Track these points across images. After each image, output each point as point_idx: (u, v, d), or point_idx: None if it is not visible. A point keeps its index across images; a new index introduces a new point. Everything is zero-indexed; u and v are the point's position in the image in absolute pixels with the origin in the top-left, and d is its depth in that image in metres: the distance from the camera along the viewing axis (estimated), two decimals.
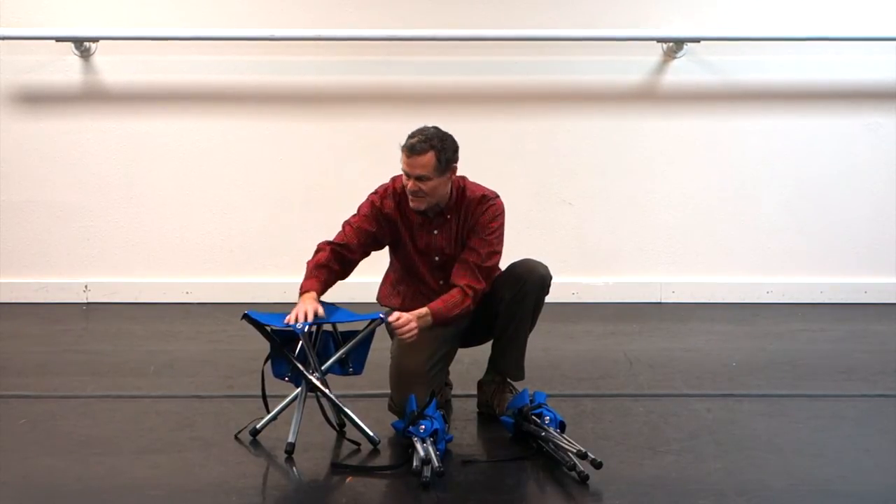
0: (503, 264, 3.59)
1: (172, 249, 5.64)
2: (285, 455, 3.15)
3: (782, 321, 5.24)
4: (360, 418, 3.29)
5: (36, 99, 5.55)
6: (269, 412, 3.32)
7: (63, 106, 5.55)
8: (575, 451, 3.01)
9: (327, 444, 3.27)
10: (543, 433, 3.15)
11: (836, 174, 5.65)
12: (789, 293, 5.67)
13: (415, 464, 2.99)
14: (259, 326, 3.28)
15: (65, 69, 5.51)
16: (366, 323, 3.34)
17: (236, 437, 3.31)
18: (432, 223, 3.50)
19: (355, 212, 3.57)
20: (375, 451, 3.23)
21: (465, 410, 3.64)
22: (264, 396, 3.33)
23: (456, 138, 3.45)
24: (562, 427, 3.19)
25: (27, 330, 5.02)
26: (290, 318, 3.24)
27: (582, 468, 2.96)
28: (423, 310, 3.38)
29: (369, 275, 3.72)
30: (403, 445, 3.17)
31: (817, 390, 4.00)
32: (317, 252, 3.52)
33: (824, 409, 3.74)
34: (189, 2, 5.51)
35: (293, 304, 3.33)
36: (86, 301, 5.61)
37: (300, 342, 3.25)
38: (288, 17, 5.47)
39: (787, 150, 5.64)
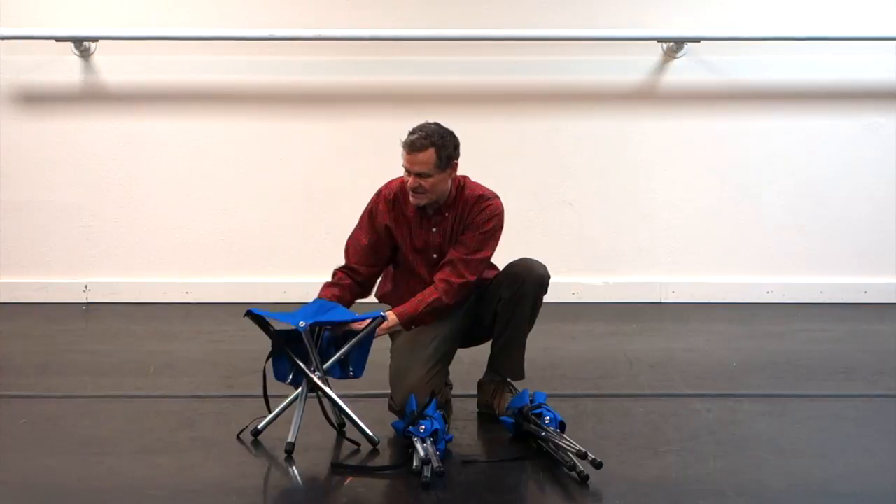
0: (501, 264, 3.59)
1: (172, 249, 5.64)
2: (285, 455, 3.15)
3: (782, 321, 5.24)
4: (359, 418, 3.29)
5: (36, 99, 5.55)
6: (270, 412, 3.32)
7: (63, 106, 5.55)
8: (575, 451, 3.01)
9: (327, 444, 3.27)
10: (543, 433, 3.15)
11: (836, 174, 5.65)
12: (789, 293, 5.67)
13: (415, 464, 2.99)
14: (262, 324, 3.27)
15: (65, 69, 5.51)
16: (367, 322, 3.34)
17: (238, 438, 3.31)
18: (430, 220, 3.51)
19: (355, 228, 3.58)
20: (375, 451, 3.23)
21: (465, 410, 3.64)
22: (266, 396, 3.32)
23: (449, 128, 3.45)
24: (562, 427, 3.19)
25: (27, 330, 5.02)
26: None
27: (582, 468, 2.96)
28: (392, 318, 3.40)
29: None
30: (403, 445, 3.17)
31: (817, 390, 3.99)
32: (324, 288, 3.54)
33: (824, 409, 3.74)
34: (189, 2, 5.51)
35: (294, 304, 3.32)
36: (86, 301, 5.61)
37: (301, 342, 3.25)
38: (288, 17, 5.47)
39: (787, 150, 5.64)
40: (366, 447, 3.24)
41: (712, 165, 5.66)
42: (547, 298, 3.54)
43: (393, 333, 3.62)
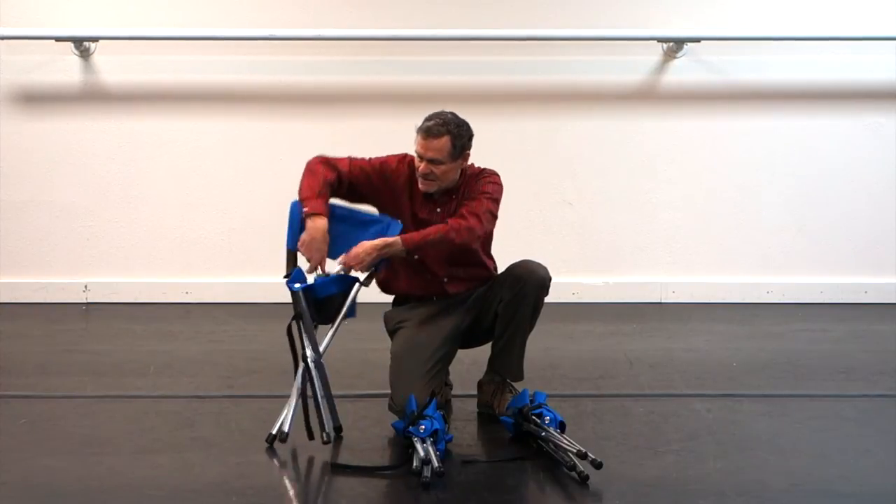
0: (502, 264, 3.59)
1: (172, 249, 5.64)
2: (280, 442, 3.12)
3: (782, 321, 5.24)
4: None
5: (36, 99, 5.55)
6: (296, 366, 3.25)
7: (63, 106, 5.55)
8: (575, 451, 3.01)
9: (327, 444, 3.26)
10: (543, 433, 3.15)
11: (836, 174, 5.65)
12: (789, 293, 5.68)
13: (415, 464, 2.99)
14: (296, 296, 3.24)
15: (64, 69, 5.51)
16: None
17: (270, 445, 3.23)
18: (437, 201, 3.52)
19: (364, 158, 3.59)
20: (375, 451, 3.23)
21: (465, 410, 3.64)
22: (294, 353, 3.23)
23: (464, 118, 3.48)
24: (562, 427, 3.19)
25: (27, 330, 5.02)
26: (302, 243, 3.33)
27: (582, 468, 2.96)
28: (393, 238, 3.37)
29: None
30: (403, 446, 3.17)
31: (817, 390, 3.99)
32: (325, 165, 3.60)
33: (824, 409, 3.74)
34: (189, 2, 5.51)
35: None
36: (86, 301, 5.61)
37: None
38: (288, 17, 5.47)
39: (787, 150, 5.64)
40: (365, 447, 3.24)
41: (712, 165, 5.66)
42: (547, 298, 3.54)
43: (393, 333, 3.62)
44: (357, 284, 3.35)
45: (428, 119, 3.44)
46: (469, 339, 3.65)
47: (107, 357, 4.47)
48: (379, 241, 3.35)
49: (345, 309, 3.34)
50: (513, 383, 3.59)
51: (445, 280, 3.57)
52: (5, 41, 5.43)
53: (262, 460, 3.20)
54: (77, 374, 4.16)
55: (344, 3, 5.51)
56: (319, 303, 3.31)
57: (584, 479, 2.94)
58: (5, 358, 4.47)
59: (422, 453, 2.98)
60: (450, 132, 3.39)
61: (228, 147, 5.60)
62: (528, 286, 3.47)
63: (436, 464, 2.92)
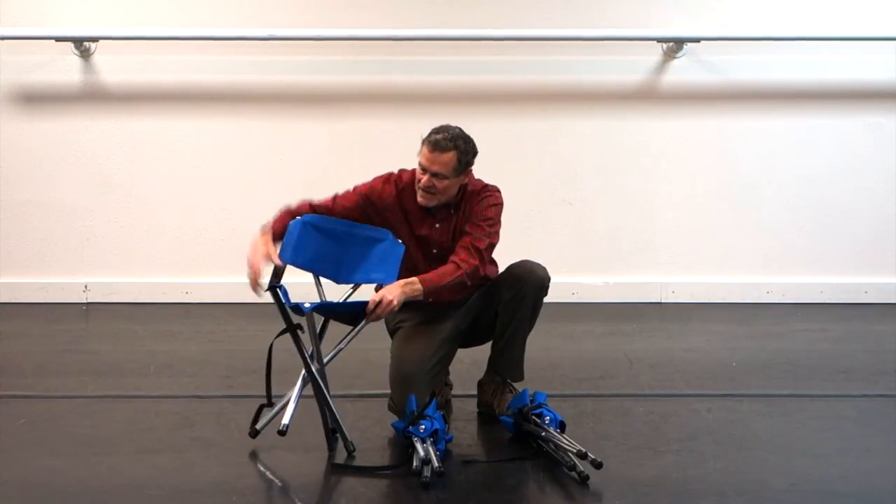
0: (502, 264, 3.59)
1: (172, 249, 5.64)
2: (279, 435, 3.11)
3: (782, 321, 5.24)
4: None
5: (36, 99, 5.55)
6: (269, 400, 3.28)
7: (63, 106, 5.55)
8: (575, 451, 3.01)
9: (326, 444, 3.26)
10: (543, 433, 3.15)
11: (836, 174, 5.65)
12: (789, 293, 5.68)
13: (415, 464, 2.99)
14: (281, 305, 3.22)
15: (65, 69, 5.51)
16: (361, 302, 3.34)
17: (254, 433, 3.27)
18: (435, 216, 3.51)
19: (350, 189, 3.56)
20: (375, 451, 3.23)
21: (465, 410, 3.64)
22: (268, 381, 3.27)
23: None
24: (562, 427, 3.19)
25: (27, 330, 5.02)
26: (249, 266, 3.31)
27: (582, 468, 2.96)
28: (412, 278, 3.37)
29: None
30: (403, 445, 3.17)
31: (817, 390, 3.99)
32: (298, 204, 3.56)
33: (824, 409, 3.74)
34: (189, 2, 5.51)
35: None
36: (86, 301, 5.61)
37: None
38: (288, 17, 5.47)
39: (787, 150, 5.65)
40: (365, 447, 3.24)
41: (712, 165, 5.66)
42: (547, 298, 3.54)
43: (393, 333, 3.62)
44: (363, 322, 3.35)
45: (436, 132, 3.41)
46: (469, 339, 3.65)
47: (107, 357, 4.47)
48: (401, 286, 3.32)
49: (352, 334, 3.37)
50: (513, 383, 3.59)
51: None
52: (5, 41, 5.43)
53: (262, 460, 3.20)
54: (77, 374, 4.16)
55: (344, 3, 5.51)
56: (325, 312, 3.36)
57: (584, 479, 2.94)
58: (5, 358, 4.47)
59: (422, 453, 2.98)
60: (457, 147, 3.37)
61: (228, 147, 5.60)
62: (527, 286, 3.47)
63: (436, 464, 2.92)
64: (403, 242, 3.52)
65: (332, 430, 3.29)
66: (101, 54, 5.50)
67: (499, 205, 3.53)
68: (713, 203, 5.68)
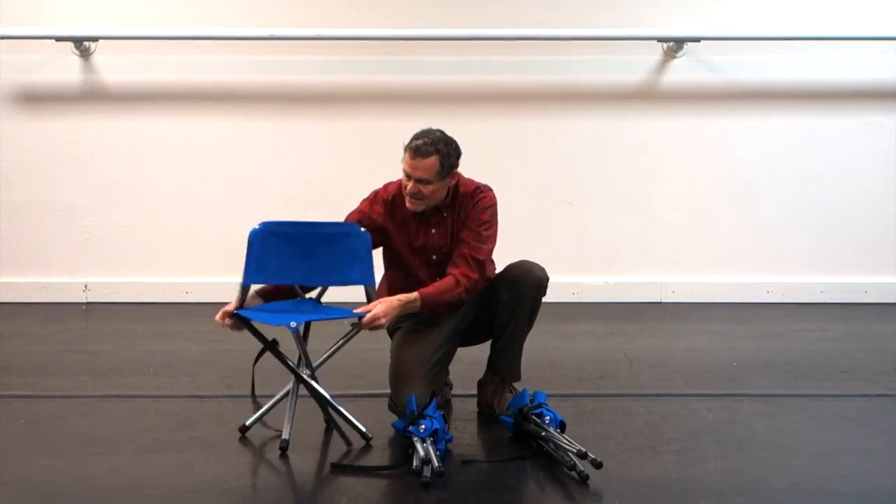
0: (501, 264, 3.59)
1: (172, 249, 5.64)
2: (280, 452, 3.15)
3: (782, 321, 5.24)
4: (358, 418, 3.29)
5: (36, 99, 5.55)
6: (257, 409, 3.34)
7: (63, 106, 5.55)
8: (575, 450, 3.01)
9: (327, 444, 3.27)
10: (543, 433, 3.15)
11: (836, 174, 5.65)
12: (789, 293, 5.68)
13: (415, 464, 2.99)
14: (249, 326, 3.27)
15: (65, 69, 5.51)
16: (345, 318, 3.33)
17: (243, 434, 3.31)
18: (429, 222, 3.50)
19: (347, 216, 3.55)
20: (375, 451, 3.23)
21: (465, 410, 3.64)
22: (254, 395, 3.33)
23: (456, 138, 3.45)
24: (562, 427, 3.19)
25: (27, 330, 5.02)
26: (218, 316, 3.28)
27: (582, 468, 2.96)
28: (413, 294, 3.37)
29: None
30: (403, 445, 3.17)
31: (817, 390, 3.99)
32: None
33: (824, 409, 3.74)
34: (189, 2, 5.51)
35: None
36: (86, 301, 5.61)
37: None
38: (288, 17, 5.48)
39: (788, 150, 5.65)
40: (365, 446, 3.24)
41: (712, 165, 5.66)
42: (547, 298, 3.54)
43: (393, 332, 3.62)
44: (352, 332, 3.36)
45: (416, 137, 3.40)
46: (469, 338, 3.65)
47: (107, 357, 4.47)
48: (397, 301, 3.34)
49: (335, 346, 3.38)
50: (512, 383, 3.59)
51: None
52: (5, 41, 5.44)
53: (262, 460, 3.20)
54: (77, 373, 4.16)
55: (344, 3, 5.51)
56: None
57: (584, 479, 2.94)
58: (5, 358, 4.47)
59: (422, 453, 2.98)
60: (438, 151, 3.35)
61: (228, 147, 5.60)
62: (525, 287, 3.47)
63: (436, 464, 2.92)
64: (402, 254, 3.52)
65: (328, 421, 3.31)
66: (101, 54, 5.50)
67: (493, 205, 3.52)
68: (713, 203, 5.68)
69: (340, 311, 3.38)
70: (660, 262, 5.71)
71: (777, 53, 5.56)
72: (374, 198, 3.54)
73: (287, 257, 3.38)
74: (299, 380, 3.28)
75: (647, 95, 5.59)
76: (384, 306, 3.30)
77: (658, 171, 5.65)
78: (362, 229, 3.42)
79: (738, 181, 5.66)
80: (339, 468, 3.08)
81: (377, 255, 3.58)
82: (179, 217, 5.64)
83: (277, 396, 3.37)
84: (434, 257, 3.53)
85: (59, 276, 5.63)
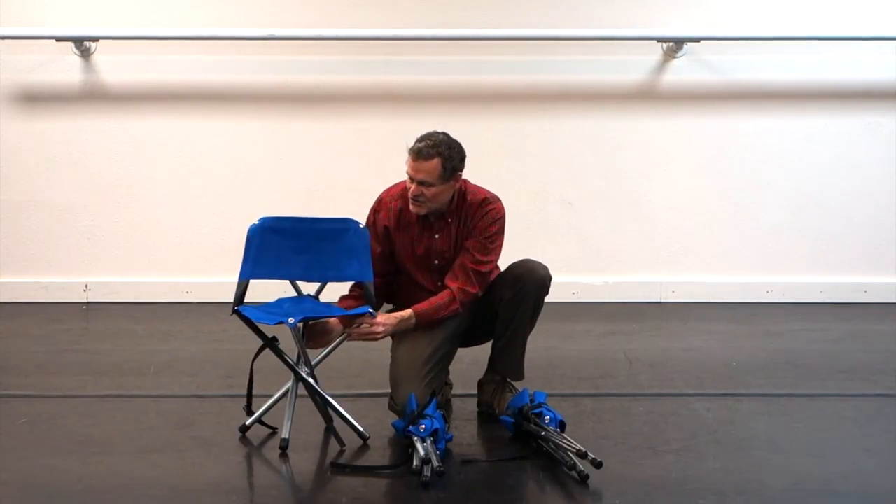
0: (503, 264, 3.59)
1: (172, 249, 5.64)
2: (280, 451, 3.15)
3: (782, 321, 5.24)
4: (358, 417, 3.30)
5: (36, 99, 5.55)
6: (252, 411, 3.34)
7: (63, 106, 5.55)
8: (575, 450, 3.01)
9: (327, 444, 3.27)
10: (543, 433, 3.15)
11: (836, 174, 5.65)
12: (789, 293, 5.68)
13: (415, 463, 2.99)
14: (250, 323, 3.28)
15: (65, 69, 5.51)
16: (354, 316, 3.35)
17: (243, 433, 3.32)
18: (433, 227, 3.50)
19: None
20: (375, 451, 3.23)
21: (465, 410, 3.64)
22: (250, 395, 3.34)
23: (456, 138, 3.45)
24: (562, 427, 3.19)
25: (27, 329, 5.02)
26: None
27: (582, 468, 2.96)
28: (408, 312, 3.42)
29: None
30: (403, 445, 3.17)
31: (817, 390, 3.99)
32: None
33: (824, 409, 3.74)
34: (189, 2, 5.51)
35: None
36: (86, 301, 5.62)
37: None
38: (288, 17, 5.47)
39: (787, 150, 5.65)
40: (365, 446, 3.24)
41: (712, 165, 5.66)
42: (547, 298, 3.54)
43: (395, 332, 3.63)
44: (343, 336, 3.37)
45: (419, 140, 3.39)
46: (469, 338, 3.65)
47: (107, 357, 4.47)
48: (392, 319, 3.38)
49: (330, 348, 3.38)
50: (513, 383, 3.59)
51: None
52: (5, 41, 5.44)
53: (262, 460, 3.20)
54: (77, 373, 4.16)
55: (345, 2, 5.51)
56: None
57: (583, 479, 2.94)
58: (5, 357, 4.47)
59: (422, 453, 2.98)
60: (440, 154, 3.34)
61: (229, 146, 5.61)
62: (528, 286, 3.47)
63: (436, 463, 2.92)
64: (404, 257, 3.52)
65: (329, 421, 3.32)
66: (102, 54, 5.50)
67: (501, 218, 3.52)
68: (713, 203, 5.68)
69: (339, 309, 3.38)
70: (660, 262, 5.71)
71: (777, 54, 5.56)
72: (378, 207, 3.54)
73: (285, 253, 3.39)
74: (298, 378, 3.28)
75: (647, 95, 5.59)
76: (381, 321, 3.36)
77: (658, 171, 5.65)
78: (361, 225, 3.42)
79: (737, 181, 5.67)
80: (339, 468, 3.09)
81: None
82: (179, 217, 5.64)
83: (276, 396, 3.38)
84: (436, 262, 3.53)
85: (60, 276, 5.63)
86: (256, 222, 3.41)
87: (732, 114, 5.61)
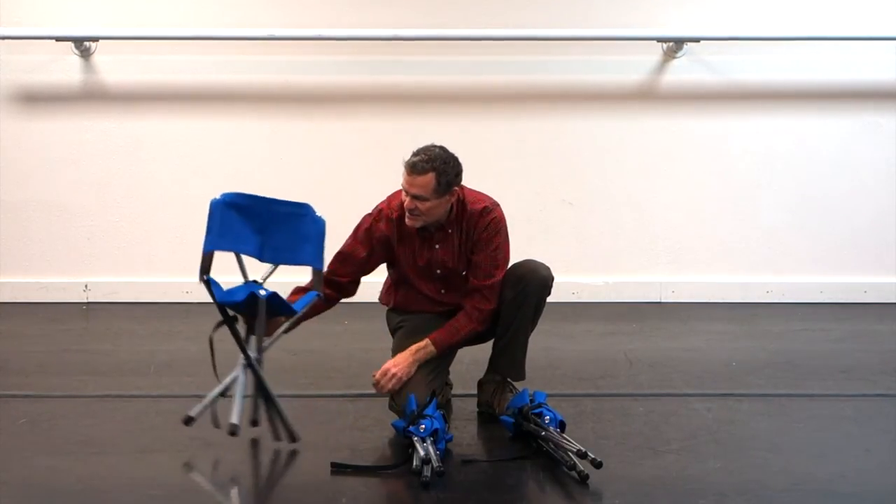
0: None
1: (172, 249, 5.64)
2: (230, 436, 3.08)
3: (782, 321, 5.24)
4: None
5: (36, 99, 5.55)
6: (220, 382, 3.26)
7: (63, 106, 5.55)
8: (575, 450, 3.01)
9: (326, 444, 3.27)
10: (543, 433, 3.15)
11: (836, 174, 5.65)
12: (789, 293, 5.68)
13: (415, 464, 2.99)
14: (214, 299, 3.23)
15: (65, 69, 5.51)
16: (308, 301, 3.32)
17: (186, 424, 3.22)
18: (433, 238, 3.49)
19: (351, 233, 3.54)
20: (375, 451, 3.23)
21: (465, 410, 3.64)
22: (214, 368, 3.27)
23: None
24: (562, 427, 3.19)
25: (27, 329, 5.02)
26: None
27: (582, 468, 2.96)
28: (424, 341, 3.42)
29: (372, 275, 3.71)
30: (403, 445, 3.17)
31: (817, 390, 3.99)
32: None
33: (824, 408, 3.74)
34: (189, 2, 5.51)
35: None
36: (86, 301, 5.62)
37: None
38: (288, 17, 5.47)
39: (787, 150, 5.65)
40: (367, 447, 3.24)
41: (712, 165, 5.66)
42: (547, 298, 3.54)
43: (394, 331, 3.63)
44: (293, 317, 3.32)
45: (415, 154, 3.36)
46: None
47: (107, 357, 4.47)
48: (411, 356, 3.38)
49: (285, 326, 3.33)
50: (513, 382, 3.59)
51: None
52: (5, 41, 5.43)
53: (262, 460, 3.20)
54: (77, 373, 4.16)
55: (345, 3, 5.51)
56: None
57: (583, 479, 2.94)
58: (5, 358, 4.47)
59: (422, 453, 2.98)
60: (435, 169, 3.31)
61: (228, 147, 5.60)
62: (530, 286, 3.47)
63: (436, 463, 2.92)
64: (407, 269, 3.51)
65: (254, 423, 3.27)
66: (102, 54, 5.50)
67: (503, 226, 3.50)
68: (713, 203, 5.68)
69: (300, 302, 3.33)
70: (660, 262, 5.71)
71: (777, 53, 5.56)
72: (378, 215, 3.51)
73: (244, 230, 3.40)
74: (248, 362, 3.21)
75: (647, 95, 5.59)
76: (396, 361, 3.37)
77: (658, 171, 5.65)
78: (318, 214, 3.39)
79: (738, 181, 5.66)
80: (339, 468, 3.08)
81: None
82: (179, 217, 5.63)
83: (225, 382, 3.26)
84: (438, 272, 3.52)
85: (60, 276, 5.63)
86: (218, 197, 3.40)
87: (732, 114, 5.61)
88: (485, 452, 3.31)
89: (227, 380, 3.27)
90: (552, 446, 3.11)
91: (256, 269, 3.46)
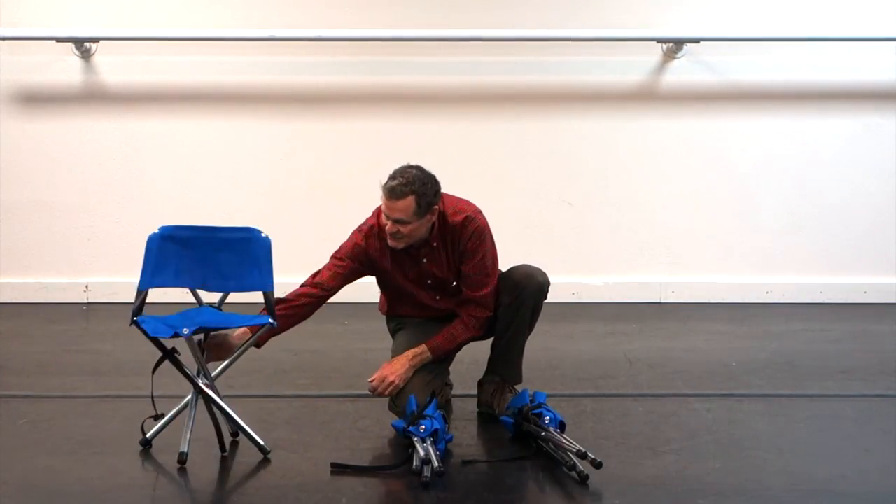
0: (502, 266, 3.58)
1: None
2: (178, 465, 3.07)
3: (782, 321, 5.24)
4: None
5: (36, 99, 5.55)
6: (156, 412, 3.26)
7: (63, 106, 5.55)
8: (575, 451, 3.01)
9: (326, 444, 3.27)
10: (543, 433, 3.15)
11: (836, 174, 5.66)
12: (789, 293, 5.68)
13: (415, 464, 2.99)
14: (148, 336, 3.21)
15: (65, 69, 5.51)
16: (254, 327, 3.28)
17: (144, 447, 3.24)
18: (419, 253, 3.47)
19: (342, 244, 3.51)
20: (375, 451, 3.23)
21: (465, 410, 3.64)
22: (153, 403, 3.26)
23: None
24: (562, 427, 3.19)
25: (27, 330, 5.02)
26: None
27: (582, 468, 2.96)
28: (421, 348, 3.42)
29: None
30: (403, 445, 3.17)
31: (817, 390, 3.99)
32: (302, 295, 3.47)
33: (824, 409, 3.74)
34: (189, 2, 5.51)
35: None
36: (86, 301, 5.62)
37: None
38: (288, 17, 5.48)
39: (787, 150, 5.65)
40: (367, 447, 3.24)
41: (712, 165, 5.66)
42: (547, 298, 3.54)
43: (395, 332, 3.63)
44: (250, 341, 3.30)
45: (392, 178, 3.31)
46: None
47: (107, 357, 4.47)
48: (407, 361, 3.38)
49: (231, 358, 3.31)
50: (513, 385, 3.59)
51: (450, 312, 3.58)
52: (6, 41, 5.44)
53: (262, 460, 3.20)
54: (77, 374, 4.16)
55: (345, 3, 5.51)
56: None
57: (583, 479, 2.94)
58: (5, 358, 4.47)
59: (422, 453, 2.98)
60: (414, 192, 3.27)
61: (229, 147, 5.61)
62: (526, 292, 3.47)
63: (436, 464, 2.92)
64: (398, 284, 3.50)
65: (234, 434, 3.26)
66: (102, 55, 5.50)
67: (487, 234, 3.46)
68: (713, 203, 5.68)
69: (242, 318, 3.30)
70: (659, 262, 5.71)
71: (776, 54, 5.56)
72: (369, 232, 3.47)
73: (185, 262, 3.33)
74: (197, 390, 3.21)
75: (647, 96, 5.59)
76: (392, 367, 3.36)
77: (658, 171, 5.65)
78: (263, 234, 3.33)
79: (737, 181, 5.67)
80: (339, 468, 3.08)
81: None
82: (179, 217, 5.54)
83: (181, 405, 3.28)
84: (429, 282, 3.52)
85: (60, 277, 5.64)
86: (156, 231, 3.35)
87: (732, 114, 5.61)
88: (485, 453, 3.31)
89: (180, 405, 3.28)
90: (552, 447, 3.11)
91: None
